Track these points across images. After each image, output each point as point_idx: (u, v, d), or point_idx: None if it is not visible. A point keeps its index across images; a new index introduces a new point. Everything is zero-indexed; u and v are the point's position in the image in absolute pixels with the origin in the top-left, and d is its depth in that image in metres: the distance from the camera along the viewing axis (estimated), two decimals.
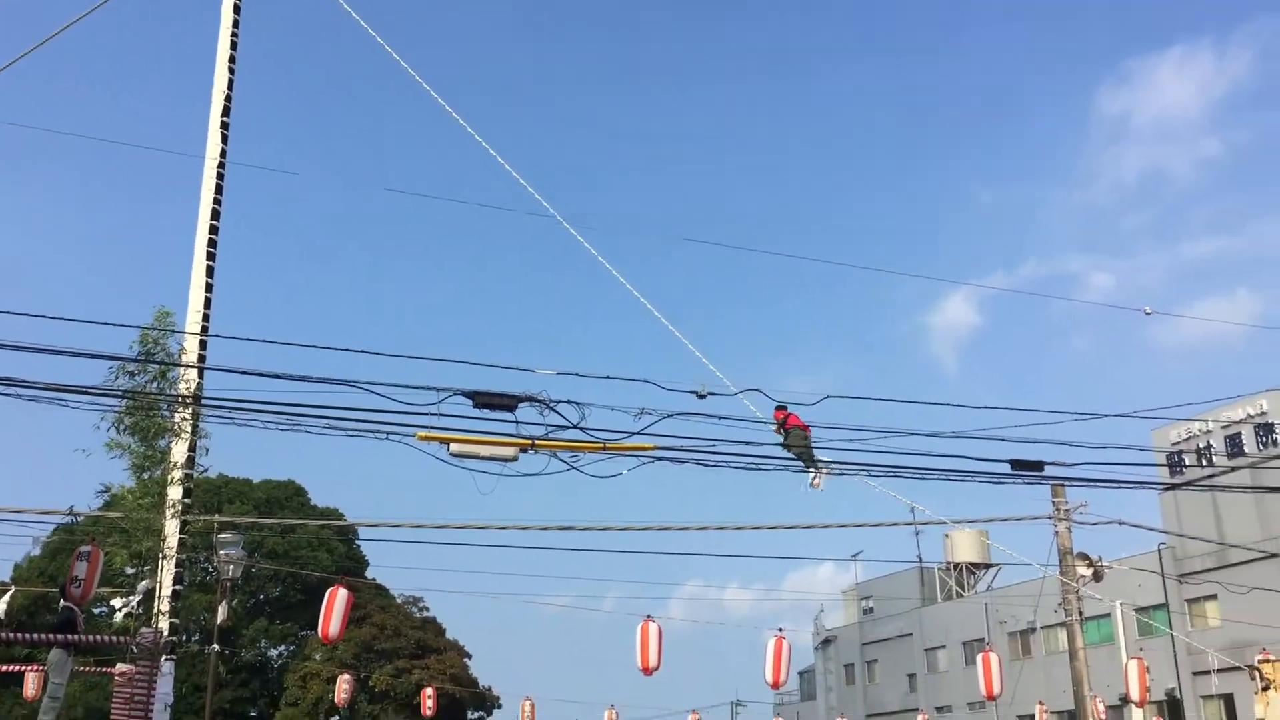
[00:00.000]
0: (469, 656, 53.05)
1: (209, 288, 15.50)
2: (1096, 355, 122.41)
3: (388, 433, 11.62)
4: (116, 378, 13.24)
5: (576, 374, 12.73)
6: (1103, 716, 38.56)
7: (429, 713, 39.94)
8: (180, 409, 13.76)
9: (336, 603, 20.02)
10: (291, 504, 50.73)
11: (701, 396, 12.62)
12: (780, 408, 13.72)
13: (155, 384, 13.53)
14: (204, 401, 13.38)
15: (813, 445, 13.10)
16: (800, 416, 13.52)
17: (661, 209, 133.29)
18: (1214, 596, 43.90)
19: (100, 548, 13.82)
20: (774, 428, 13.53)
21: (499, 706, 54.85)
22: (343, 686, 36.35)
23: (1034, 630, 52.48)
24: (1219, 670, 43.13)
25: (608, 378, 12.98)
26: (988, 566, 63.74)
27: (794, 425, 13.58)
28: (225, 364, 11.81)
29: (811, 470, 12.94)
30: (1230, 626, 42.60)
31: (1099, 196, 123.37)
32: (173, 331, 13.88)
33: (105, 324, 11.17)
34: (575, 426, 12.53)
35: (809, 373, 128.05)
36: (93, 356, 11.57)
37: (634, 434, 12.51)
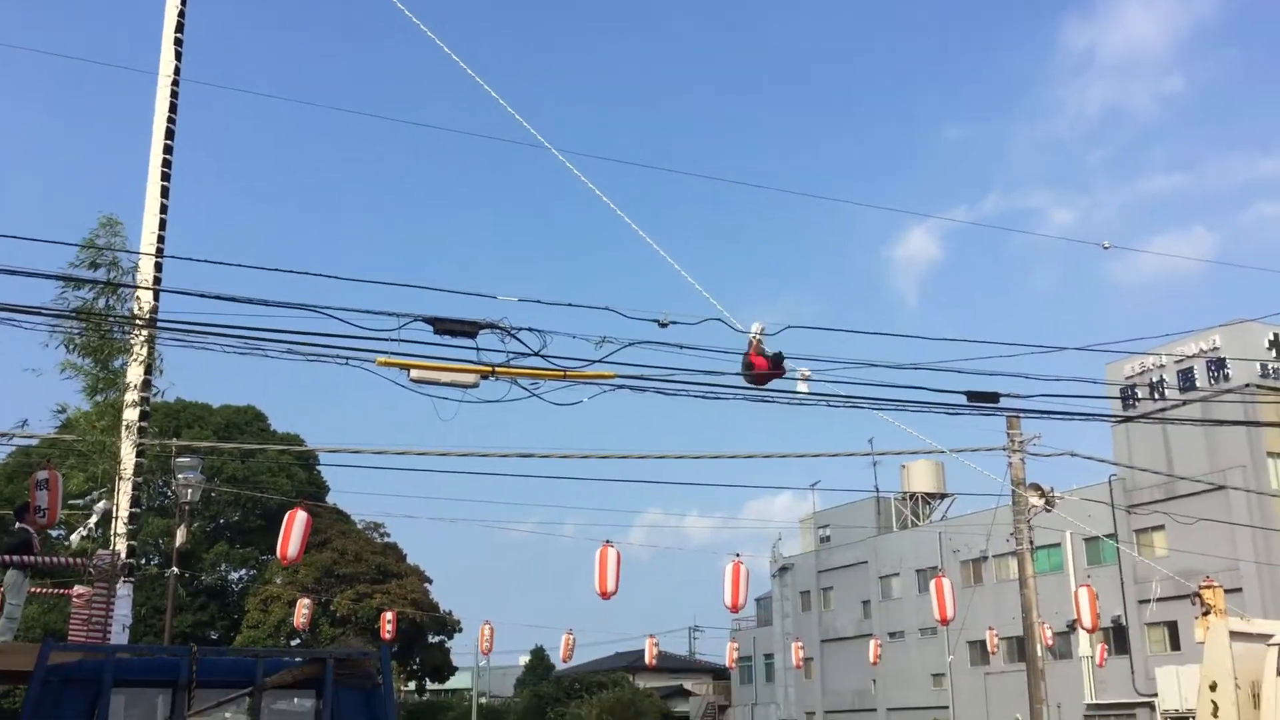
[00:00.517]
0: (429, 581, 53.49)
1: (164, 209, 15.23)
2: (1055, 290, 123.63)
3: (348, 358, 11.53)
4: (64, 291, 13.02)
5: (538, 301, 12.70)
6: (1050, 642, 39.60)
7: (389, 636, 40.31)
8: (135, 330, 13.59)
9: (295, 525, 20.04)
10: (251, 429, 50.52)
11: (663, 325, 12.62)
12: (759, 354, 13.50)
13: (104, 300, 13.30)
14: (160, 323, 13.21)
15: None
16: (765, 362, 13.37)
17: (626, 137, 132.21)
18: (1161, 527, 44.94)
19: (57, 470, 13.72)
20: (745, 365, 13.44)
21: (459, 630, 55.50)
22: (302, 610, 36.58)
23: (986, 559, 53.56)
24: (1163, 599, 44.35)
25: (569, 305, 12.99)
26: (943, 496, 64.84)
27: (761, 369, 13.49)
28: (182, 287, 11.66)
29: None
30: (1176, 556, 43.69)
31: (1062, 131, 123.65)
32: (125, 251, 13.64)
33: (54, 242, 10.95)
34: (536, 354, 12.52)
35: (770, 303, 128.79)
36: (44, 277, 11.38)
37: (595, 362, 12.53)
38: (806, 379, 12.76)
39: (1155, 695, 44.93)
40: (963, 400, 12.07)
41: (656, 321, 12.52)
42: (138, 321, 13.48)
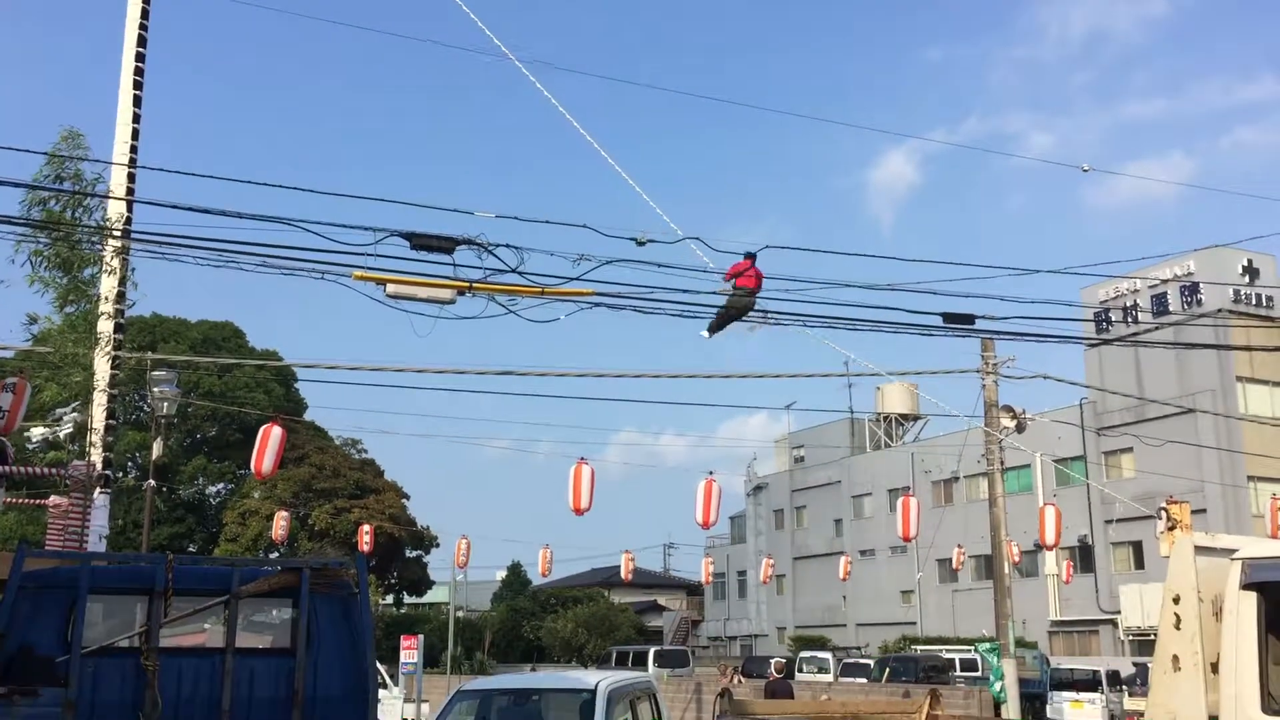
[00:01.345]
0: (407, 497, 53.82)
1: (136, 118, 14.98)
2: (1032, 214, 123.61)
3: (324, 272, 11.46)
4: (29, 210, 12.83)
5: (515, 218, 12.62)
6: (1017, 560, 40.33)
7: (367, 550, 40.66)
8: (106, 241, 13.44)
9: (270, 440, 20.09)
10: (229, 345, 50.28)
11: (641, 243, 12.60)
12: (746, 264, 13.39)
13: (70, 212, 13.12)
14: (133, 235, 13.06)
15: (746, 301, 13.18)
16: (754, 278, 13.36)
17: (604, 54, 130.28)
18: (1130, 450, 45.63)
19: (29, 380, 13.65)
20: (730, 278, 13.40)
21: (436, 545, 56.00)
22: (280, 523, 36.81)
23: (957, 479, 54.32)
24: (1127, 519, 45.17)
25: (547, 222, 12.96)
26: (916, 418, 65.48)
27: (742, 285, 13.50)
28: (156, 199, 11.51)
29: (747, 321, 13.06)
30: (1144, 478, 44.43)
31: (1044, 54, 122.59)
32: (90, 161, 13.40)
33: (16, 149, 10.71)
34: (514, 271, 12.48)
35: (747, 223, 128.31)
36: (11, 185, 11.20)
37: (573, 279, 12.51)
38: (755, 329, 12.92)
39: (1118, 612, 46.07)
40: (938, 322, 12.12)
41: (634, 240, 12.50)
42: (111, 232, 13.32)
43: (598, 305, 12.58)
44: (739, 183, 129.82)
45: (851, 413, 63.04)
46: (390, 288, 12.02)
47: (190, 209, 10.64)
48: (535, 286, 12.50)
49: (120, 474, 42.80)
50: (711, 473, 22.95)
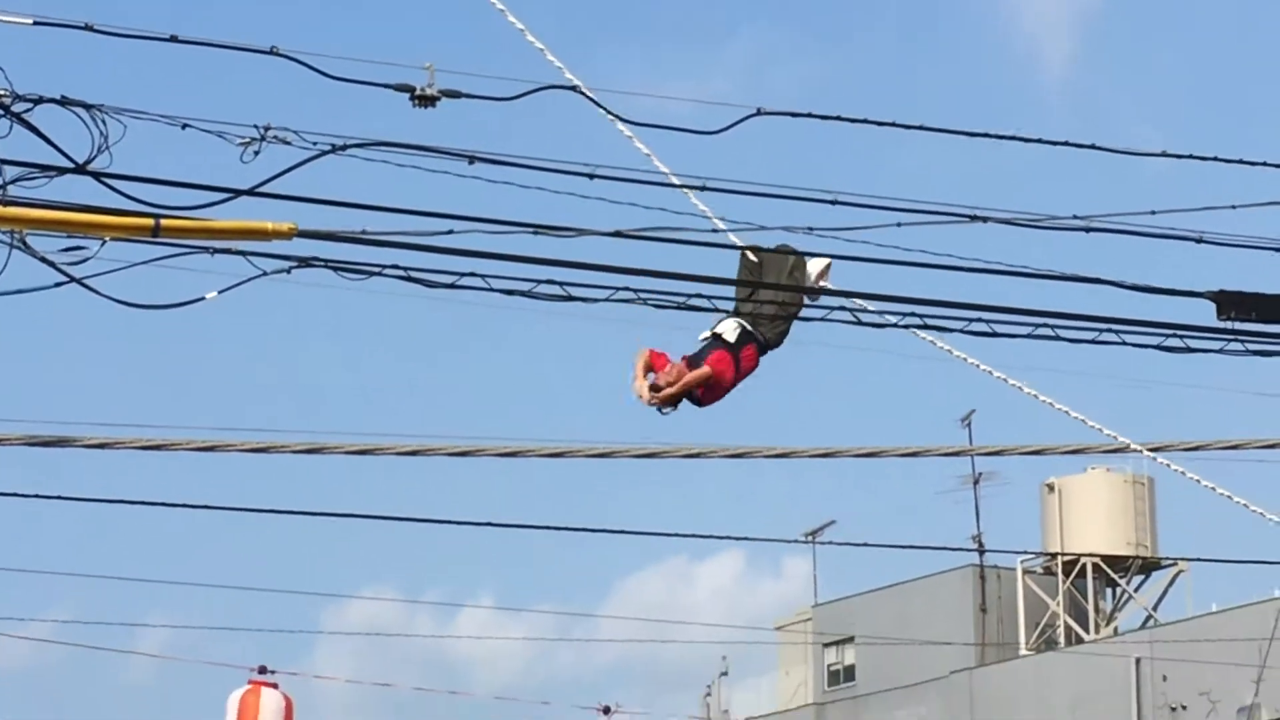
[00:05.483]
0: None
1: None
2: None
3: None
4: None
5: (87, 28, 4.71)
6: None
7: None
8: None
9: None
10: None
11: (424, 98, 4.79)
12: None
13: None
14: None
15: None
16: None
17: None
18: None
19: None
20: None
21: None
22: None
23: None
24: None
25: (173, 40, 4.90)
26: (1149, 564, 34.56)
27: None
28: None
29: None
30: None
31: None
32: None
33: None
34: (80, 167, 4.71)
35: (705, 45, 76.62)
36: None
37: (239, 193, 4.66)
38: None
39: None
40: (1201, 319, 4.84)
41: (408, 92, 4.67)
42: None
43: (308, 264, 4.66)
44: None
45: (981, 550, 29.20)
46: None
47: None
48: (143, 214, 4.53)
49: None
50: (608, 710, 10.83)
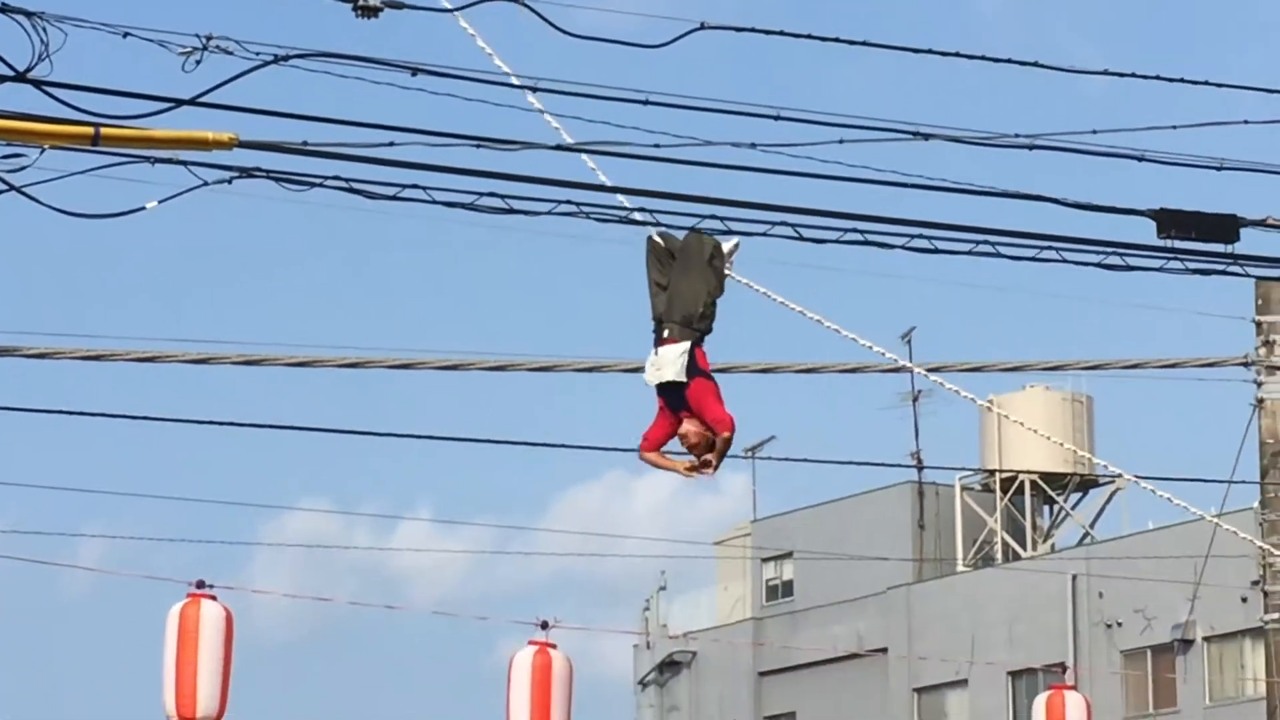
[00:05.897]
0: None
1: None
2: None
3: None
4: None
5: None
6: None
7: None
8: None
9: None
10: None
11: (367, 9, 4.74)
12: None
13: None
14: None
15: None
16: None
17: None
18: None
19: None
20: None
21: None
22: None
23: (1189, 644, 44.12)
24: None
25: None
26: (1085, 482, 29.71)
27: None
28: None
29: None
30: None
31: None
32: None
33: None
34: (20, 75, 4.54)
35: None
36: None
37: (179, 103, 4.58)
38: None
39: None
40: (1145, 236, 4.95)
41: (350, 1, 4.61)
42: None
43: (250, 174, 4.64)
44: None
45: (920, 467, 29.50)
46: None
47: None
48: (82, 122, 4.48)
49: None
50: (546, 624, 9.02)
